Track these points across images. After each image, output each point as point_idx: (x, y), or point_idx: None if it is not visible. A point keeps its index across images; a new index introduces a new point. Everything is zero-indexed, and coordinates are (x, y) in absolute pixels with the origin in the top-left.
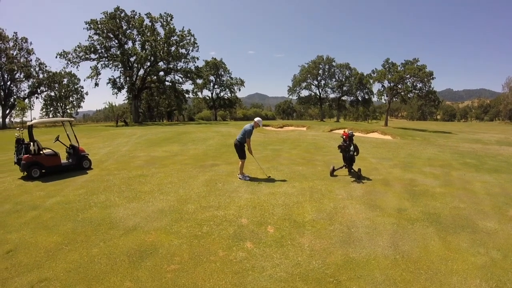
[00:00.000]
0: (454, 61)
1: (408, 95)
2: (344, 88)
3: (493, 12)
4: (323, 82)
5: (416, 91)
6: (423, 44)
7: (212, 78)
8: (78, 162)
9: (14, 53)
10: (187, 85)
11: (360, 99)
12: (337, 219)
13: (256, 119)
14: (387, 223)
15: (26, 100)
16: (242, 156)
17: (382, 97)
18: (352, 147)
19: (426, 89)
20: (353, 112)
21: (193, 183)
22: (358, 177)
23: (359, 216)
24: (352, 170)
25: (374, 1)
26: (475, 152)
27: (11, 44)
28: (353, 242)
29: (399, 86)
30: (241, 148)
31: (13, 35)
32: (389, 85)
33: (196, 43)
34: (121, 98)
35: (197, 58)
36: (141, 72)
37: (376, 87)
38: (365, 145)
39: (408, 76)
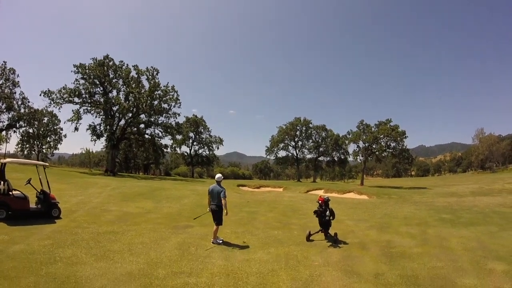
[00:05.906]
0: (426, 118)
1: (383, 154)
2: (321, 149)
3: (460, 69)
4: (300, 143)
5: (390, 150)
6: (396, 102)
7: (191, 134)
8: (48, 210)
9: (0, 82)
10: (166, 140)
11: (336, 159)
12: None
13: (217, 176)
14: None
15: (3, 132)
16: (220, 221)
17: (358, 157)
18: (328, 212)
19: (400, 147)
20: (329, 172)
21: (165, 245)
22: (334, 241)
23: (335, 284)
24: (328, 235)
25: (348, 67)
26: (451, 206)
27: None
28: None
29: (374, 146)
30: (220, 213)
31: (2, 64)
32: (364, 145)
33: (179, 99)
34: (99, 146)
35: (179, 114)
36: (122, 122)
37: (351, 147)
38: (342, 207)
39: (382, 136)
